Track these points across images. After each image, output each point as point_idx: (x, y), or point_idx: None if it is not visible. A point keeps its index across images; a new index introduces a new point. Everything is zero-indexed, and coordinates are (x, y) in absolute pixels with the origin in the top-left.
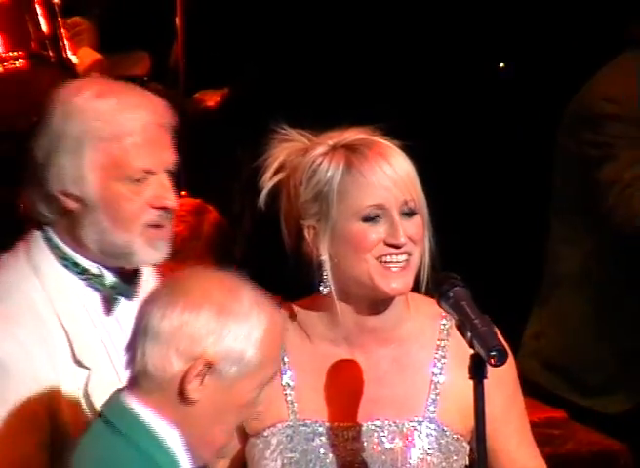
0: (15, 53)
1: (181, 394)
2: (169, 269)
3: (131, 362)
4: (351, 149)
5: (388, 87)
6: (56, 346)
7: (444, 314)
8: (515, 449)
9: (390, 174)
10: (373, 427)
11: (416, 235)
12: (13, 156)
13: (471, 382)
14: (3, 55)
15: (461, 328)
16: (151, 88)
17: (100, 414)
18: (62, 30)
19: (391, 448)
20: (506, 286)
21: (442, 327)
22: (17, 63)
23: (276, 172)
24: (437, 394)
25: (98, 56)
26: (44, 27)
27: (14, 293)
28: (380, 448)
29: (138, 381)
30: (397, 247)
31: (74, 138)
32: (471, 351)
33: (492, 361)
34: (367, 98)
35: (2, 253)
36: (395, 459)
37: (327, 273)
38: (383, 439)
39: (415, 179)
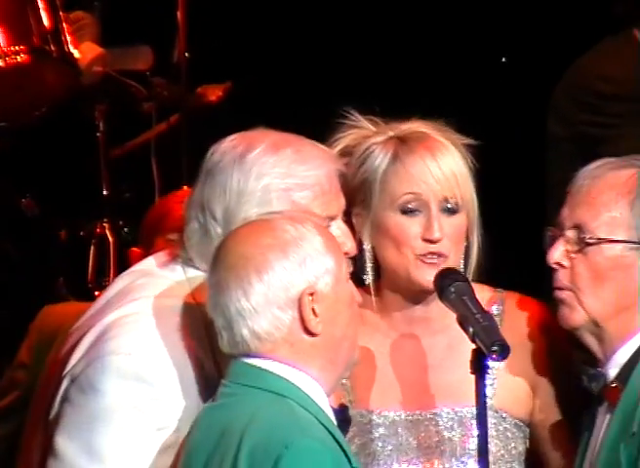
0: (16, 47)
1: (308, 332)
2: None
3: (235, 342)
4: (403, 141)
5: (388, 84)
6: None
7: (494, 301)
8: (557, 438)
9: (433, 169)
10: (431, 416)
11: (454, 235)
12: (14, 149)
13: (528, 366)
14: (5, 49)
15: (463, 322)
16: (154, 82)
17: (224, 384)
18: (64, 25)
19: (450, 438)
20: (505, 282)
21: (494, 313)
22: (18, 58)
23: (340, 156)
24: (493, 379)
25: (100, 50)
26: (46, 22)
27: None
28: (438, 438)
29: (254, 349)
30: (432, 242)
31: (259, 192)
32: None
33: (493, 356)
34: (365, 94)
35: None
36: (454, 449)
37: (368, 263)
38: (442, 428)
39: (463, 179)
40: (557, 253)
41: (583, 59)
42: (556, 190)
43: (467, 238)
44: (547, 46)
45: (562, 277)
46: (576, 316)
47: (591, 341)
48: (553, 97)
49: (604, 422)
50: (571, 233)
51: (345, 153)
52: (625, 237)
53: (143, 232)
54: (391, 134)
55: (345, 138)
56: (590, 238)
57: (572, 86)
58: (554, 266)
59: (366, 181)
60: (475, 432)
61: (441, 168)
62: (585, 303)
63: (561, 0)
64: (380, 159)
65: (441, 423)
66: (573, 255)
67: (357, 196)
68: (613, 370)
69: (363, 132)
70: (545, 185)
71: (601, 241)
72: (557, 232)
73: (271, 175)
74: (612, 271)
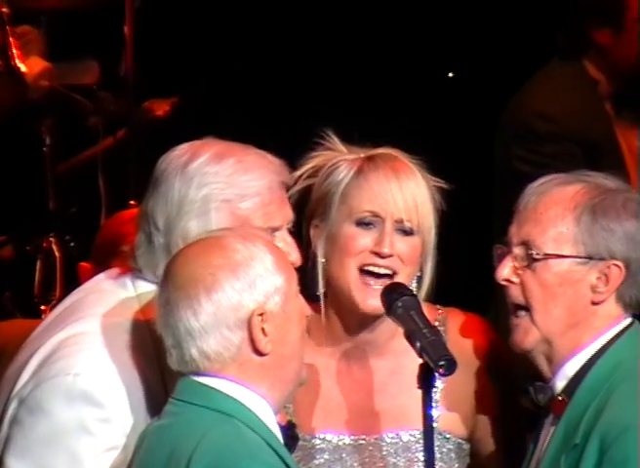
0: None
1: (257, 352)
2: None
3: (184, 361)
4: (370, 159)
5: (343, 98)
6: None
7: (437, 324)
8: (498, 454)
9: (394, 189)
10: (375, 441)
11: (406, 254)
12: None
13: (471, 384)
14: None
15: (410, 337)
16: (101, 96)
17: (172, 402)
18: (11, 39)
19: (395, 463)
20: (448, 297)
21: None
22: None
23: (309, 176)
24: (437, 401)
25: (46, 64)
26: None
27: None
28: (382, 464)
29: (202, 368)
30: (380, 256)
31: (199, 202)
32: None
33: (440, 370)
34: (314, 108)
35: None
36: None
37: (320, 277)
38: (386, 453)
39: (423, 207)
40: (506, 270)
41: (527, 91)
42: (498, 208)
43: (421, 267)
44: (498, 60)
45: (515, 293)
46: (530, 338)
47: (542, 361)
48: (500, 120)
49: (548, 434)
50: (518, 250)
51: (313, 174)
52: (572, 252)
53: (98, 250)
54: (362, 155)
55: (315, 159)
56: (537, 254)
57: (512, 118)
58: (503, 283)
59: (328, 194)
60: (420, 456)
61: (402, 190)
62: (538, 322)
63: (514, 13)
64: (345, 173)
65: (385, 448)
66: (520, 272)
67: (318, 208)
68: (560, 383)
69: (334, 154)
70: (493, 210)
71: (548, 256)
72: (505, 249)
73: (211, 186)
74: (560, 287)
